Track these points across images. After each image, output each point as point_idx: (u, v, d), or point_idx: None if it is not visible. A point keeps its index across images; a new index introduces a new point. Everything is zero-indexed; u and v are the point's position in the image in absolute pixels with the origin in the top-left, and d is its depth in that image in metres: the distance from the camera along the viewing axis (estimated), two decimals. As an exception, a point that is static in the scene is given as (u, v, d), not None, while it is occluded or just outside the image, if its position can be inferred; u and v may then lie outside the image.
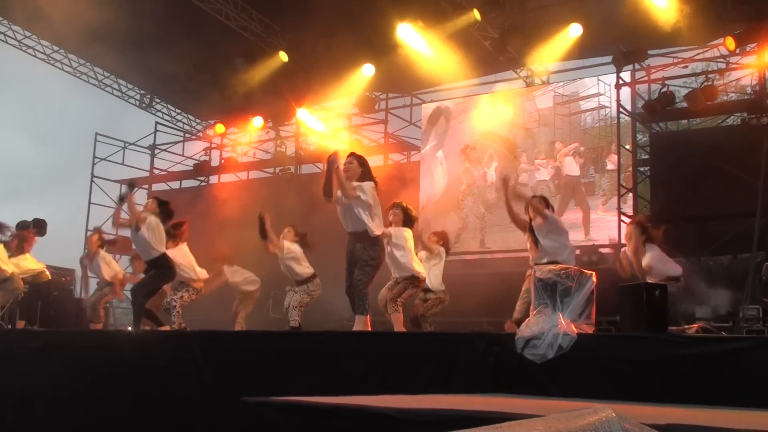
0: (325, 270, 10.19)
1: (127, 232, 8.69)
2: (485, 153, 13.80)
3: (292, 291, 9.06)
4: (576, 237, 12.14)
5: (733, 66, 12.56)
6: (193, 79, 14.93)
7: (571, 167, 12.94)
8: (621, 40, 12.18)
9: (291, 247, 9.12)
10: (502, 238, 13.19)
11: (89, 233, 15.36)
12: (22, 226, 9.87)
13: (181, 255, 9.07)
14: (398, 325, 7.71)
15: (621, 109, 12.50)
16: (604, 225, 12.33)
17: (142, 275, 8.87)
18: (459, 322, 10.52)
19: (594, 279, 5.58)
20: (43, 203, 26.58)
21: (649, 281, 6.97)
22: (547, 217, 7.33)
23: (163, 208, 8.42)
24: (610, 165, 12.63)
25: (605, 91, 12.93)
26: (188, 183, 18.39)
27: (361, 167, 6.77)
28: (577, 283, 5.48)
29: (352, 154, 6.95)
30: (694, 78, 12.95)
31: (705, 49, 12.65)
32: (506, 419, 1.81)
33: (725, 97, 13.05)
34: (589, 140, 13.03)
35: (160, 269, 8.21)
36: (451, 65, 12.99)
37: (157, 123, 18.29)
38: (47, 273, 10.35)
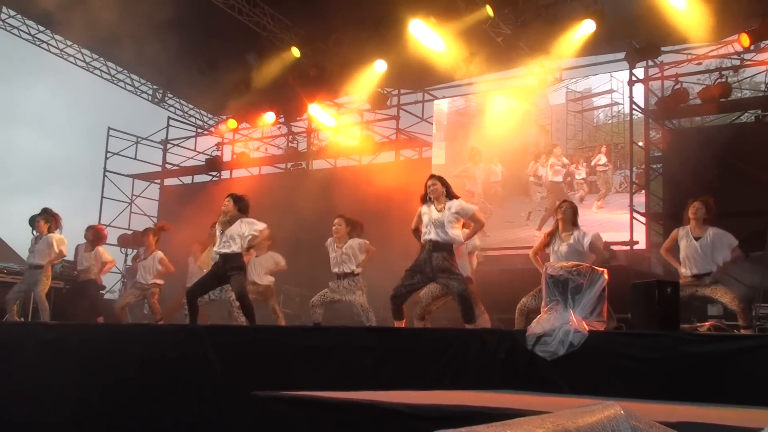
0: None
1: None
2: (492, 153, 13.79)
3: (349, 292, 8.38)
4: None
5: (748, 63, 12.47)
6: (206, 74, 14.95)
7: (555, 174, 13.03)
8: (634, 37, 12.11)
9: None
10: (512, 235, 13.17)
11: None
12: (35, 218, 9.95)
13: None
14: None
15: (634, 106, 12.43)
16: (615, 222, 12.26)
17: None
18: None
19: (605, 276, 5.56)
20: (55, 197, 26.68)
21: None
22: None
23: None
24: (600, 168, 12.64)
25: (618, 87, 12.85)
26: (200, 178, 18.44)
27: (444, 186, 7.23)
28: (589, 280, 5.46)
29: (432, 176, 7.42)
30: (707, 75, 12.85)
31: (719, 46, 12.56)
32: (516, 416, 1.80)
33: (739, 94, 12.97)
34: (601, 137, 12.98)
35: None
36: (463, 62, 12.94)
37: (169, 118, 18.36)
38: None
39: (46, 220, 9.84)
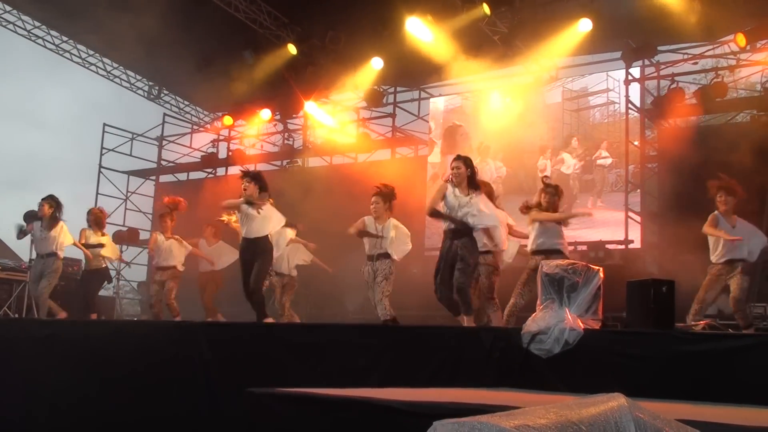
0: (331, 262, 10.19)
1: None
2: (495, 150, 13.78)
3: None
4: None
5: (743, 62, 12.49)
6: (202, 70, 14.92)
7: (567, 166, 13.02)
8: (631, 36, 12.12)
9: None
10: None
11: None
12: (30, 215, 9.84)
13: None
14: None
15: (630, 105, 12.45)
16: (611, 221, 12.28)
17: None
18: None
19: (601, 275, 5.57)
20: (50, 193, 26.64)
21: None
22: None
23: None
24: (600, 160, 12.63)
25: (614, 86, 12.88)
26: (195, 175, 18.42)
27: (467, 170, 6.85)
28: (584, 278, 5.46)
29: (458, 158, 6.97)
30: (703, 74, 12.87)
31: (715, 46, 12.58)
32: (513, 413, 1.80)
33: (735, 94, 12.97)
34: (597, 136, 13.00)
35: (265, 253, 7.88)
36: (459, 60, 12.93)
37: (165, 114, 18.33)
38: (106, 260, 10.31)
39: (50, 204, 9.50)
